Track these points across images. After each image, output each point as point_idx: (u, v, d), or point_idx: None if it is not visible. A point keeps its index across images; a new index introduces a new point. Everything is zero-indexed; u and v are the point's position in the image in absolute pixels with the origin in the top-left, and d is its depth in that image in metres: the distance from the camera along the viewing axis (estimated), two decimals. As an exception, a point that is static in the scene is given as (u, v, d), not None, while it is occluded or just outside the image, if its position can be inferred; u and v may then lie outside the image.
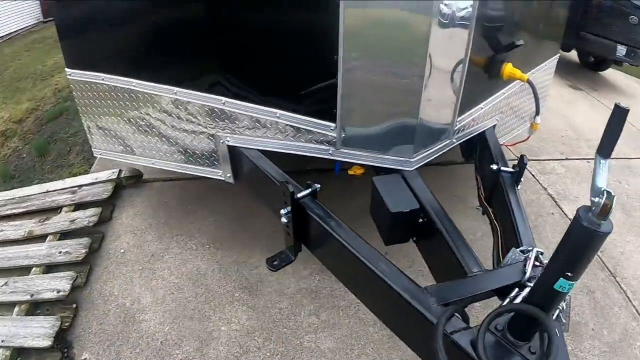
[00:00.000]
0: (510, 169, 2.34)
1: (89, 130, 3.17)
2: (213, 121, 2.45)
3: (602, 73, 8.94)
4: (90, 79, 2.85)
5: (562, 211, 4.18)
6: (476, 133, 2.69)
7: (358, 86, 2.11)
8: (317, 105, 2.21)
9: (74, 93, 3.08)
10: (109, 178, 3.83)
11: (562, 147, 5.35)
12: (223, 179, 2.64)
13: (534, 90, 2.68)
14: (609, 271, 3.49)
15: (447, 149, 2.49)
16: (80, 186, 3.83)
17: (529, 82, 2.62)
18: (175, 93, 2.49)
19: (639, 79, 9.55)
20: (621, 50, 7.49)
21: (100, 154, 3.23)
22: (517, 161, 2.32)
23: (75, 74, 2.94)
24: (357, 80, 2.09)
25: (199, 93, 2.42)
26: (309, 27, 2.10)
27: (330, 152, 2.27)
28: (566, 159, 5.10)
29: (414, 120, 2.17)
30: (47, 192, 3.88)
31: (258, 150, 2.38)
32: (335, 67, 2.03)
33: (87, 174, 4.25)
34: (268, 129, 2.33)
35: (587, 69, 8.87)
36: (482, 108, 2.66)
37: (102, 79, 2.79)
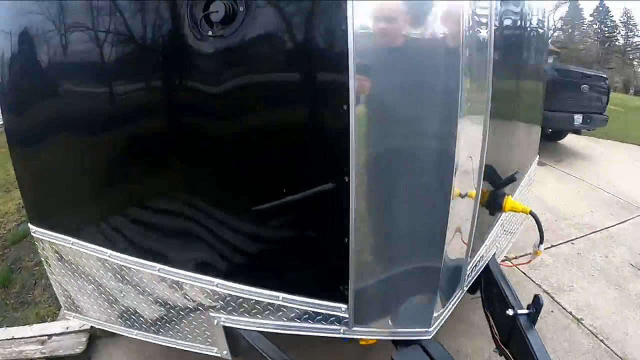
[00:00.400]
0: (526, 311, 2.22)
1: (58, 289, 2.82)
2: (205, 301, 2.19)
3: (560, 142, 9.31)
4: (57, 241, 2.55)
5: (561, 306, 4.06)
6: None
7: (371, 259, 1.95)
8: (325, 285, 2.00)
9: (40, 252, 2.76)
10: (81, 328, 3.45)
11: (545, 234, 5.24)
12: (219, 355, 2.36)
13: (537, 222, 2.59)
14: (619, 357, 3.36)
15: (457, 301, 2.33)
16: (49, 336, 3.46)
17: (531, 213, 2.54)
18: (159, 270, 2.22)
19: (595, 138, 10.03)
20: (578, 119, 7.88)
21: (73, 317, 2.88)
22: (531, 300, 2.24)
23: (39, 233, 2.63)
24: (369, 258, 1.93)
25: (187, 273, 2.16)
26: (313, 205, 1.88)
27: (342, 331, 2.05)
28: (551, 246, 5.00)
29: (434, 287, 2.00)
30: (13, 339, 3.48)
31: (259, 332, 2.13)
32: (346, 250, 1.84)
33: (55, 317, 3.87)
34: (270, 311, 2.09)
35: (546, 140, 9.19)
36: (486, 244, 2.55)
37: (71, 244, 2.49)
